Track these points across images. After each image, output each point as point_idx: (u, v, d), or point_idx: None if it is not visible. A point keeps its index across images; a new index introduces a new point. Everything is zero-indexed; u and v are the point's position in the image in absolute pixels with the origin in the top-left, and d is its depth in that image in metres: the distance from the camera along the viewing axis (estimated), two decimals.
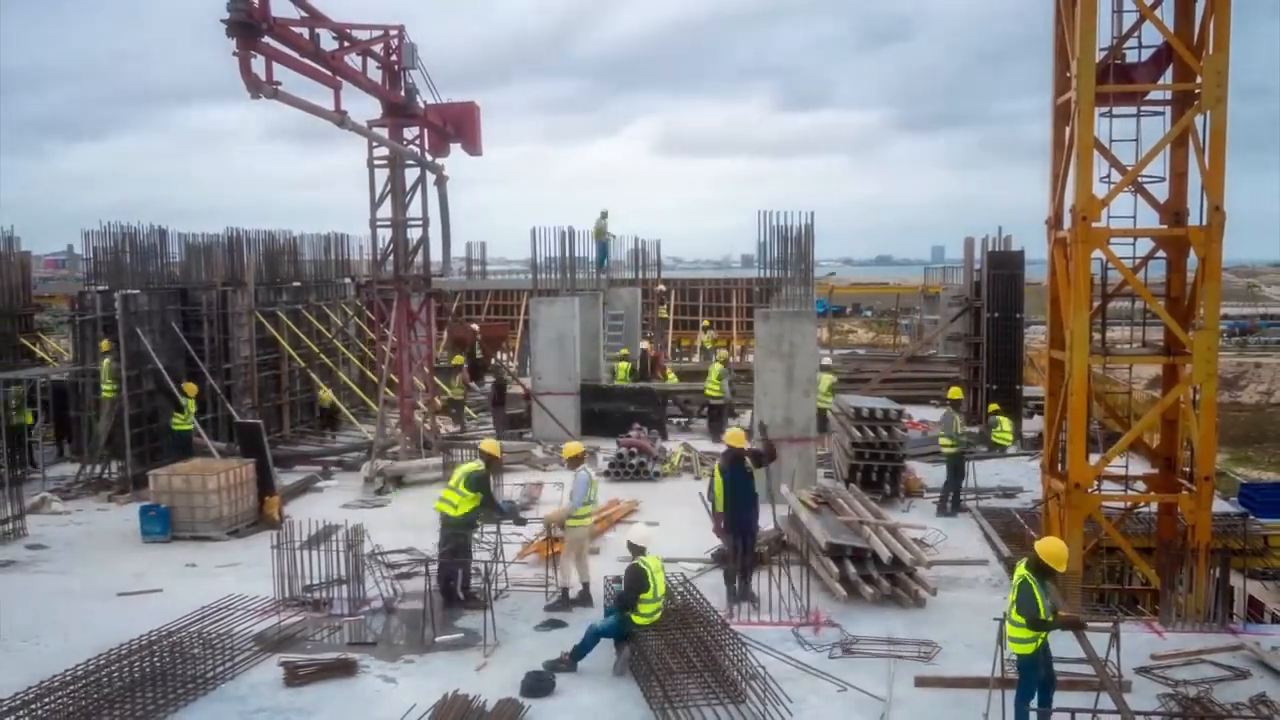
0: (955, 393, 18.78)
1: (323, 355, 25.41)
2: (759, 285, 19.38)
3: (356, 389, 25.81)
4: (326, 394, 24.96)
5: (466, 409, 25.73)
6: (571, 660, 10.43)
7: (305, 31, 15.60)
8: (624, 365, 26.84)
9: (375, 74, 18.44)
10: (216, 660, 10.56)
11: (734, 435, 13.08)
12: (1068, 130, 13.34)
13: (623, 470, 19.60)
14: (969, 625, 11.33)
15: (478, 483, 12.37)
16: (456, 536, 12.42)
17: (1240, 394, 51.95)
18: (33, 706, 9.38)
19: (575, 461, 12.85)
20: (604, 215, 31.19)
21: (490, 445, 13.24)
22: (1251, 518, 17.06)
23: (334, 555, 12.53)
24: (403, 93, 19.09)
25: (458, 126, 20.76)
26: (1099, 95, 12.71)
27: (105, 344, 18.96)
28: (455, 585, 12.38)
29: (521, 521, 13.86)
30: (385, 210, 20.07)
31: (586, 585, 12.45)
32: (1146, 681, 10.10)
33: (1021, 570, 8.99)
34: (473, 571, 12.47)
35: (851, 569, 12.59)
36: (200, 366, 20.49)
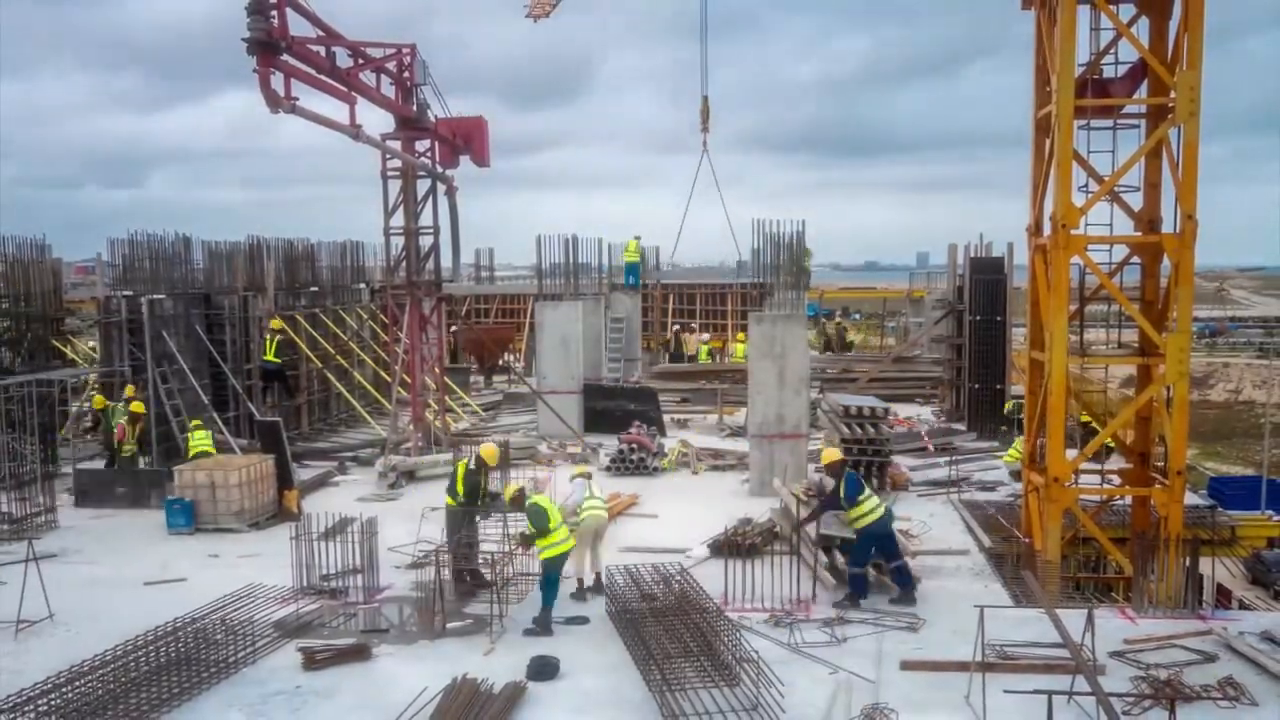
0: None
1: (339, 357, 25.40)
2: (753, 289, 19.41)
3: (371, 388, 25.79)
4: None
5: (477, 408, 25.70)
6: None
7: (322, 49, 15.58)
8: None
9: (388, 90, 18.42)
10: (238, 646, 10.58)
11: (829, 454, 12.83)
12: (1048, 142, 13.35)
13: (623, 465, 19.59)
14: (951, 611, 11.34)
15: (472, 488, 12.72)
16: (460, 521, 12.64)
17: (1209, 392, 51.96)
18: (64, 690, 9.40)
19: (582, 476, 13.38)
20: (637, 239, 32.86)
21: (488, 450, 13.18)
22: (1219, 509, 17.04)
23: (350, 546, 12.55)
24: (414, 107, 19.10)
25: (466, 140, 20.77)
26: (1077, 109, 12.73)
27: (130, 389, 18.60)
28: (470, 569, 12.56)
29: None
30: (398, 219, 20.10)
31: (595, 577, 12.57)
32: (1120, 664, 10.10)
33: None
34: (481, 559, 12.54)
35: (840, 559, 12.59)
36: (223, 367, 20.54)
